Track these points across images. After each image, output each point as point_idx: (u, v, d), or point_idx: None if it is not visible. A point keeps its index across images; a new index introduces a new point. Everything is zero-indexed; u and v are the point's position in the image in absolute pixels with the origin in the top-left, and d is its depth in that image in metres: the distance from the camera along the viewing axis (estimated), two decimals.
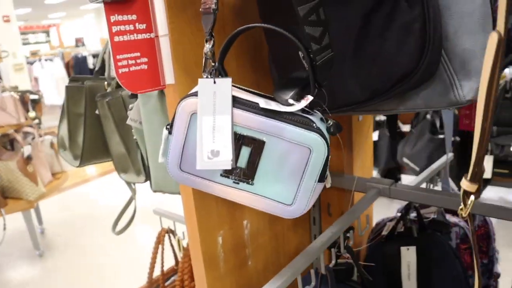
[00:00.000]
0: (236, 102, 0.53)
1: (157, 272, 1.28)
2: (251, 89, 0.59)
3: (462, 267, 1.00)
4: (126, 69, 0.64)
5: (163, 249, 1.26)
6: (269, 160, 0.54)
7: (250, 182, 0.56)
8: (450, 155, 1.27)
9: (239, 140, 0.54)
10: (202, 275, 0.79)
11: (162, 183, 0.87)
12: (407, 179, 3.12)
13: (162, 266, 1.27)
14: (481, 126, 0.34)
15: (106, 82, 1.06)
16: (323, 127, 0.54)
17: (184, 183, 0.59)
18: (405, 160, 2.53)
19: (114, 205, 2.74)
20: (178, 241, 1.23)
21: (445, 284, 0.99)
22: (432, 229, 1.05)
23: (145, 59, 0.67)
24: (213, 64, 0.53)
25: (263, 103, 0.53)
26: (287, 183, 0.54)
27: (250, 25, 0.52)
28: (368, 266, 0.93)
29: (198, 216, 0.76)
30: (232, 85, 0.54)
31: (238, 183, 0.56)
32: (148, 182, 1.02)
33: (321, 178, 0.55)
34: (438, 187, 1.25)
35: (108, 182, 4.31)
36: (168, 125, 0.56)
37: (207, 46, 0.53)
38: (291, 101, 0.53)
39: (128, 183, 1.12)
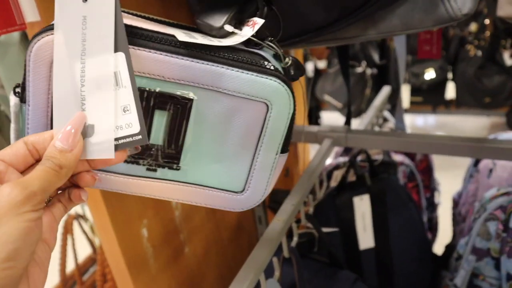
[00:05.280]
0: (136, 36, 0.31)
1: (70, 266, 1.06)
2: (157, 17, 0.37)
3: (417, 210, 0.93)
4: None
5: (73, 239, 1.02)
6: (202, 128, 0.35)
7: (175, 167, 0.36)
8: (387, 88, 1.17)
9: (148, 102, 0.33)
10: (127, 284, 0.59)
11: None
12: (328, 116, 3.12)
13: (76, 259, 1.04)
14: None
15: None
16: (280, 68, 0.36)
17: None
18: (326, 97, 2.46)
19: None
20: (91, 227, 1.01)
21: (402, 231, 0.91)
22: (381, 172, 0.96)
23: None
24: None
25: (182, 35, 0.33)
26: (234, 160, 0.36)
27: None
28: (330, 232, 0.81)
29: (108, 206, 0.55)
30: (123, 11, 0.32)
31: (155, 171, 0.36)
32: None
33: (285, 147, 0.37)
34: (388, 124, 1.15)
35: None
36: (16, 86, 0.33)
37: None
38: (228, 27, 0.34)
39: None
